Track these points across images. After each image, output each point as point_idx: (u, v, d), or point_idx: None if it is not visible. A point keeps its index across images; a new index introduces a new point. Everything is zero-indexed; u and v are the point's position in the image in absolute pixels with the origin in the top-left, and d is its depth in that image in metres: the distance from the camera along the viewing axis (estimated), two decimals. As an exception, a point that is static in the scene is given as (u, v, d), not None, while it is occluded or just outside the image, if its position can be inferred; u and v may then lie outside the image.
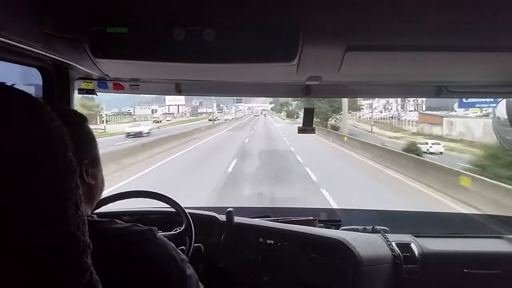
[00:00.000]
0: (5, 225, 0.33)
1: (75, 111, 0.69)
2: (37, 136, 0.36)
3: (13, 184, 0.33)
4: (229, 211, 1.39)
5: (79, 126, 0.63)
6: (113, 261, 0.45)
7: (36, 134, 0.36)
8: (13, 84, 0.37)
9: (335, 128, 26.11)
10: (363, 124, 35.43)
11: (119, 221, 0.60)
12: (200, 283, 0.64)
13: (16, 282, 0.33)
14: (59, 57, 0.91)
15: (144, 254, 0.56)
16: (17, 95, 0.37)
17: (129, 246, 0.56)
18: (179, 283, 0.59)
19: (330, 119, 28.03)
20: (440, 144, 17.98)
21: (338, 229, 1.61)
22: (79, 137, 0.60)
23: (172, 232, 1.21)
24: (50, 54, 0.86)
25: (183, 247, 1.16)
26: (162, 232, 1.20)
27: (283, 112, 58.99)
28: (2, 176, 0.33)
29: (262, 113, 64.76)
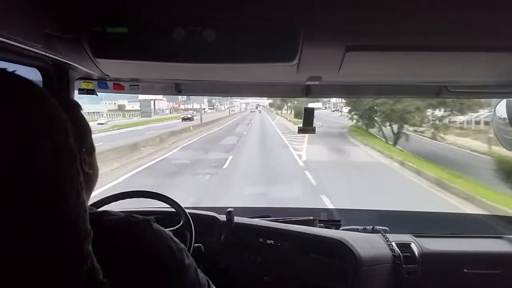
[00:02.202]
0: (5, 211, 0.33)
1: (72, 100, 0.69)
2: (38, 122, 0.36)
3: (13, 170, 0.33)
4: (229, 211, 1.39)
5: (77, 114, 0.62)
6: (109, 252, 0.46)
7: (37, 120, 0.36)
8: (14, 71, 0.38)
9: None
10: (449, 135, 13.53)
11: (113, 212, 0.59)
12: (200, 272, 0.64)
13: (18, 269, 0.33)
14: (59, 57, 0.91)
15: (140, 244, 0.56)
16: (18, 81, 0.37)
17: (124, 237, 0.56)
18: (177, 272, 0.58)
19: (412, 129, 12.41)
20: None
21: (338, 229, 1.61)
22: (77, 126, 0.60)
23: (171, 229, 1.21)
24: (50, 54, 0.86)
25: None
26: None
27: (285, 108, 37.36)
28: (2, 163, 0.33)
29: (257, 108, 47.30)
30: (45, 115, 0.37)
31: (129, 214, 0.59)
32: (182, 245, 0.61)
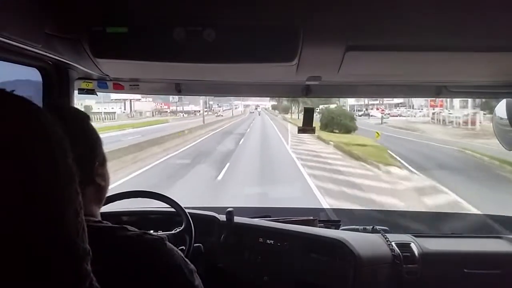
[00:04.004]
0: (4, 231, 0.32)
1: (79, 110, 0.69)
2: (37, 143, 0.35)
3: (12, 191, 0.33)
4: (229, 211, 1.39)
5: (85, 126, 0.62)
6: (122, 269, 0.46)
7: (36, 141, 0.35)
8: (12, 91, 0.37)
9: None
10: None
11: (130, 228, 0.60)
12: None
13: (13, 284, 0.33)
14: (59, 57, 0.91)
15: (153, 264, 0.57)
16: (16, 101, 0.37)
17: (139, 255, 0.57)
18: None
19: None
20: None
21: (338, 229, 1.61)
22: (87, 138, 0.60)
23: (172, 232, 1.21)
24: (50, 54, 0.86)
25: (183, 247, 1.16)
26: (162, 232, 1.20)
27: (293, 111, 24.90)
28: (2, 184, 0.32)
29: (256, 109, 38.11)
30: (44, 136, 0.36)
31: (144, 231, 0.60)
32: (192, 266, 0.62)
